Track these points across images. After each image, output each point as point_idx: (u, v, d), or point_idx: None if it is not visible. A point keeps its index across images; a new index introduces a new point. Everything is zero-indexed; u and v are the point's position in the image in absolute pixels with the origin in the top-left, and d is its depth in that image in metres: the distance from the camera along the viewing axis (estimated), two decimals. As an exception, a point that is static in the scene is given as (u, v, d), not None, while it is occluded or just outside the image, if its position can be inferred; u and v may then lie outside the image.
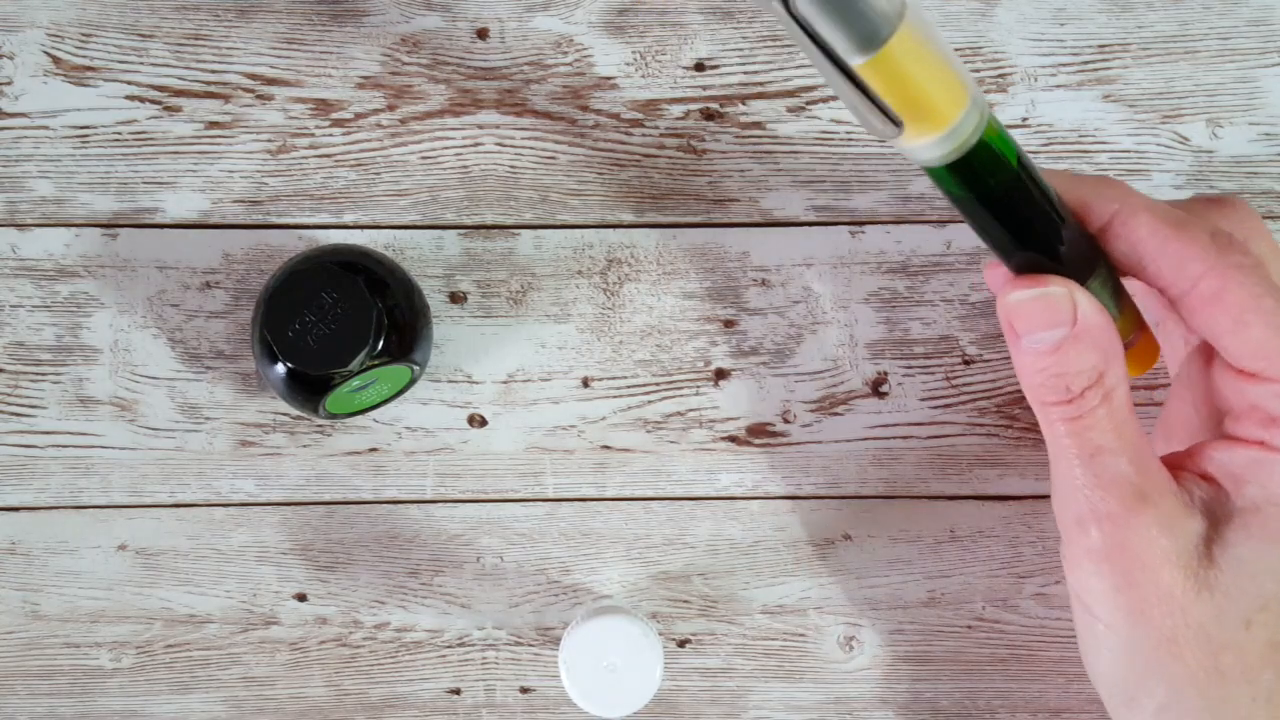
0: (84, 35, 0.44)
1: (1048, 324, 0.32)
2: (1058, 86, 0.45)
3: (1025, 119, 0.45)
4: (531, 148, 0.44)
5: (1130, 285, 0.37)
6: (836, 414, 0.44)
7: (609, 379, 0.44)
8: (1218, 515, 0.32)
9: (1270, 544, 0.32)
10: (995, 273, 0.34)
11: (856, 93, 0.28)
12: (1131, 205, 0.33)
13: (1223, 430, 0.34)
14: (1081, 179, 0.34)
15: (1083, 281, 0.33)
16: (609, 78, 0.45)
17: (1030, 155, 0.31)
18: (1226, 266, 0.32)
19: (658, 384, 0.44)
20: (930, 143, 0.29)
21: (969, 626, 0.44)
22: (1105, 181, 0.34)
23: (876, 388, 0.44)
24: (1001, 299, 0.33)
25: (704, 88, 0.45)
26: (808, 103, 0.45)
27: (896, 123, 0.28)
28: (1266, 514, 0.32)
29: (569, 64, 0.45)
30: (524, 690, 0.45)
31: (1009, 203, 0.31)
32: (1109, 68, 0.45)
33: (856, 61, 0.27)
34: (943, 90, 0.28)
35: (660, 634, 0.44)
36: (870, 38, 0.27)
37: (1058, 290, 0.32)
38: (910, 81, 0.28)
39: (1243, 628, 0.32)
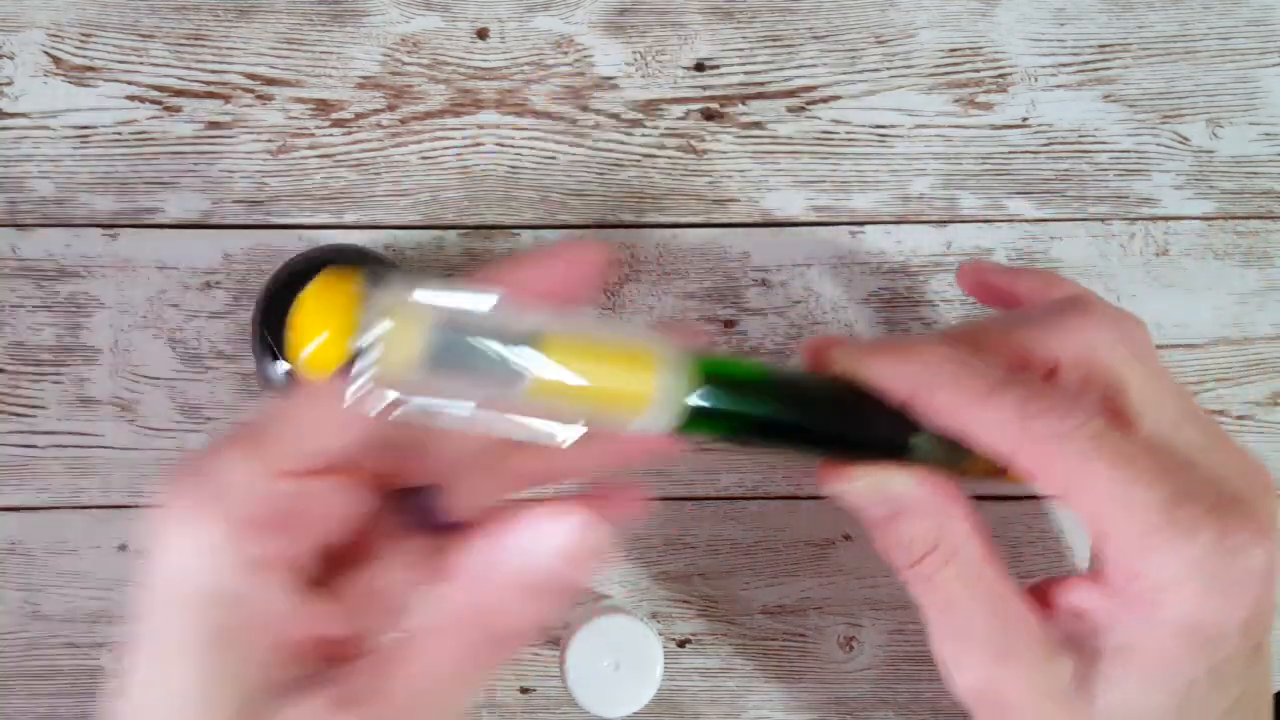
0: (84, 35, 0.44)
1: (867, 506, 0.31)
2: (1058, 86, 0.45)
3: (1025, 119, 0.45)
4: (531, 148, 0.44)
5: None
6: (836, 414, 0.44)
7: (609, 379, 0.44)
8: (1095, 650, 0.31)
9: (1149, 687, 0.31)
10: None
11: (523, 420, 0.26)
12: (928, 385, 0.31)
13: (1096, 563, 0.32)
14: (880, 354, 0.31)
15: (904, 445, 0.31)
16: (609, 78, 0.45)
17: (777, 365, 0.30)
18: (1038, 439, 0.30)
19: (658, 384, 0.44)
20: (649, 419, 0.27)
21: (969, 626, 0.44)
22: (905, 355, 0.31)
23: (876, 388, 0.44)
24: (819, 485, 0.32)
25: (704, 88, 0.45)
26: (808, 103, 0.45)
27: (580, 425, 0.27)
28: (1141, 659, 0.31)
29: (569, 64, 0.45)
30: (524, 690, 0.45)
31: (781, 421, 0.30)
32: (1109, 68, 0.45)
33: (514, 398, 0.26)
34: (621, 374, 0.27)
35: (660, 634, 0.44)
36: (511, 376, 0.25)
37: (863, 484, 0.31)
38: (582, 388, 0.26)
39: None
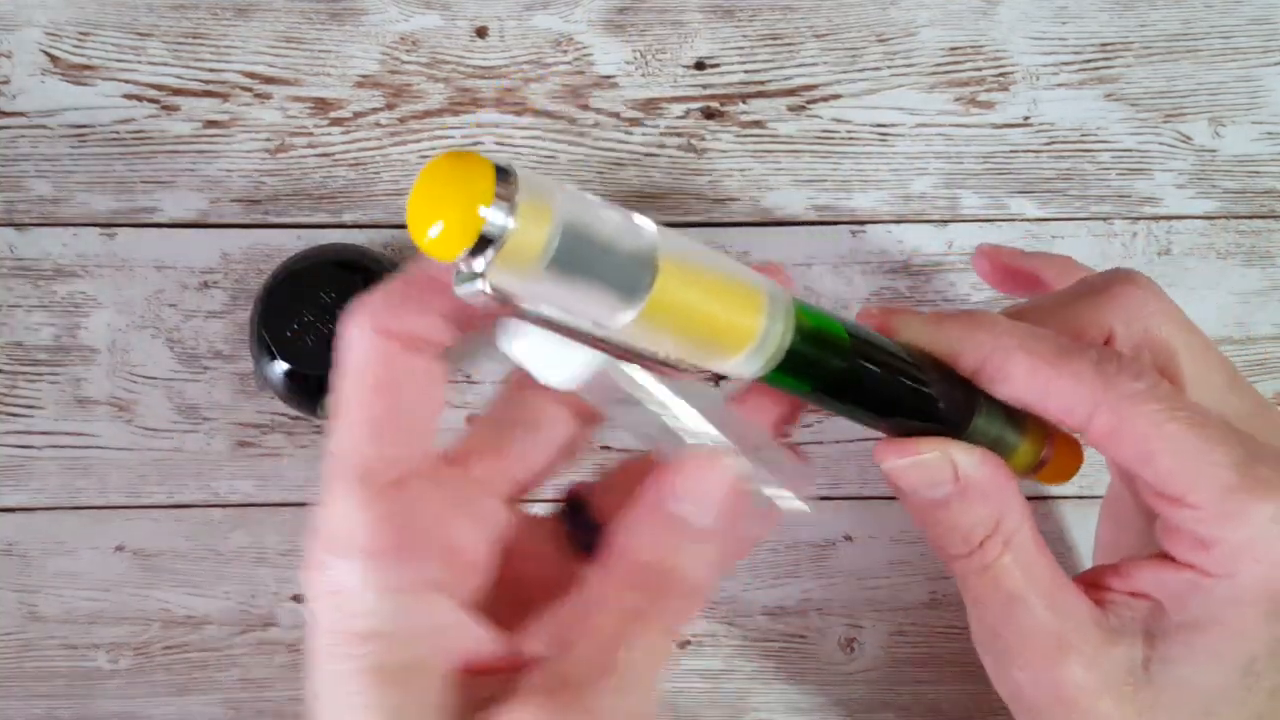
0: (82, 34, 0.44)
1: (928, 486, 0.31)
2: (1059, 85, 0.45)
3: (1027, 118, 0.44)
4: (531, 147, 0.44)
5: None
6: (837, 414, 0.44)
7: (609, 379, 0.44)
8: (1154, 633, 0.31)
9: (1213, 662, 0.30)
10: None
11: (633, 356, 0.25)
12: (1004, 349, 0.30)
13: (1156, 544, 0.32)
14: (947, 322, 0.31)
15: (965, 424, 0.31)
16: (609, 76, 0.44)
17: (852, 329, 0.29)
18: (1118, 400, 0.30)
19: (658, 384, 0.44)
20: (743, 360, 0.26)
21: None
22: (973, 323, 0.31)
23: (878, 388, 0.44)
24: (878, 462, 0.31)
25: (704, 86, 0.44)
26: (808, 101, 0.44)
27: (680, 366, 0.26)
28: (1210, 633, 0.30)
29: (568, 62, 0.44)
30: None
31: (854, 382, 0.29)
32: (1111, 66, 0.45)
33: (624, 321, 0.24)
34: (731, 306, 0.25)
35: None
36: (631, 289, 0.24)
37: (930, 456, 0.30)
38: (693, 315, 0.25)
39: None
